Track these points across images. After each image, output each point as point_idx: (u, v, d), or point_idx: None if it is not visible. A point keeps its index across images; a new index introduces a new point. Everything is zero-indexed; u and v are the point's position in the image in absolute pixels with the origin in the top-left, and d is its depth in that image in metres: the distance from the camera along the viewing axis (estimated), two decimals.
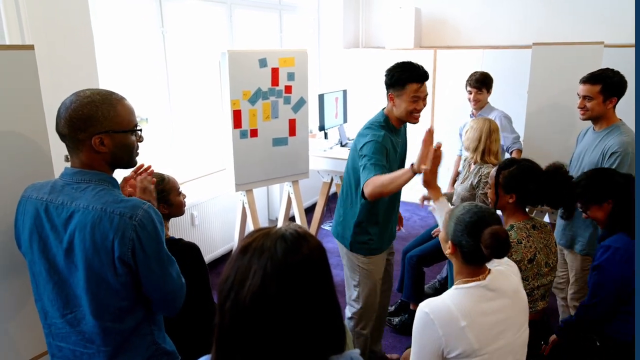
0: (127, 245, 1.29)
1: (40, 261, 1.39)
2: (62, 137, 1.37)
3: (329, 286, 0.92)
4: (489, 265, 1.56)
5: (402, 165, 2.48)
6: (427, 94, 2.31)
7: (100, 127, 1.33)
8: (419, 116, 2.34)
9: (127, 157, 1.42)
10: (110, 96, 1.37)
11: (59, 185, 1.38)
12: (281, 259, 0.86)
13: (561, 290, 2.76)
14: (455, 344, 1.41)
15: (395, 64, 2.32)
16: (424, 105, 2.32)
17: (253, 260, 0.87)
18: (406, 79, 2.25)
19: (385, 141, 2.24)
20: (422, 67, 2.30)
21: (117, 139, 1.36)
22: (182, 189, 2.03)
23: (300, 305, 0.85)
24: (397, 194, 2.43)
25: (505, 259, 1.64)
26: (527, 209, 2.11)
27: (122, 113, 1.37)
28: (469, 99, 3.61)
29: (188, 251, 1.84)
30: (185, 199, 2.02)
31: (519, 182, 2.01)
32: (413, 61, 2.31)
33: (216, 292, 1.18)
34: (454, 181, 3.16)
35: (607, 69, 2.49)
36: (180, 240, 1.88)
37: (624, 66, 2.68)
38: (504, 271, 1.60)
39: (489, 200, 2.13)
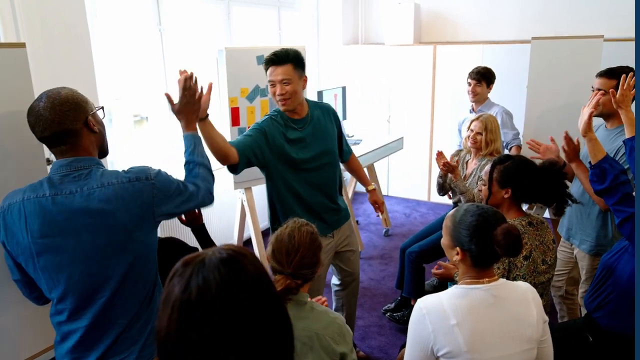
0: (156, 199, 1.43)
1: (65, 247, 1.35)
2: (54, 138, 1.37)
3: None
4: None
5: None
6: (284, 79, 2.20)
7: (88, 108, 1.44)
8: (285, 102, 2.25)
9: (105, 138, 1.54)
10: (68, 88, 1.45)
11: (56, 179, 1.38)
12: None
13: (558, 289, 2.73)
14: (443, 341, 1.40)
15: None
16: (285, 92, 2.22)
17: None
18: (265, 64, 2.25)
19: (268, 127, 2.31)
20: (281, 50, 2.22)
21: (97, 118, 1.49)
22: None
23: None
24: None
25: (526, 285, 1.56)
26: (526, 207, 2.07)
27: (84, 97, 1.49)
28: (468, 92, 3.58)
29: (171, 245, 1.91)
30: None
31: (514, 176, 1.99)
32: (286, 47, 2.26)
33: None
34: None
35: (626, 67, 2.36)
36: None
37: (624, 60, 2.65)
38: (516, 284, 1.54)
39: (482, 196, 2.10)
